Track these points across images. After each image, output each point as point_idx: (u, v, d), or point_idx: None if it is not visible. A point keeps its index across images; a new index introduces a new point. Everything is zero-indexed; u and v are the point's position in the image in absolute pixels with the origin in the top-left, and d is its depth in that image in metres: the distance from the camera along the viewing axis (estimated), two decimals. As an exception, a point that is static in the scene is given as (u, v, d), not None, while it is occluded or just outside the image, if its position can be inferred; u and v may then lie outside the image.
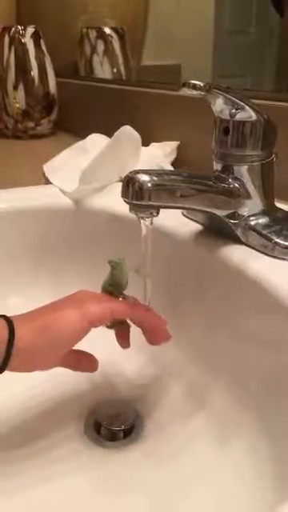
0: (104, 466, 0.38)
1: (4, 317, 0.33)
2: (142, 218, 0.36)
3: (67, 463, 0.38)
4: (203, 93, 0.35)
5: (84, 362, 0.39)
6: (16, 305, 0.45)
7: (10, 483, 0.36)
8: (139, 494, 0.36)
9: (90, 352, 0.39)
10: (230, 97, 0.37)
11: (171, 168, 0.60)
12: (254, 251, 0.40)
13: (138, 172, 0.34)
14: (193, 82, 0.34)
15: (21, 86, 0.84)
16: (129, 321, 0.39)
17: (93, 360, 0.39)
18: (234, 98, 0.37)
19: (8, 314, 0.34)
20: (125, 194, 0.35)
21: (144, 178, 0.34)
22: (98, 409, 0.43)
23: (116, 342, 0.40)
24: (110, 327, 0.39)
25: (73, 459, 0.38)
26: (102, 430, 0.41)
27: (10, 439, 0.40)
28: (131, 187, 0.34)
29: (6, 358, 0.32)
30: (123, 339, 0.40)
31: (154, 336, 0.39)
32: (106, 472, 0.38)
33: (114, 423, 0.41)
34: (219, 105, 0.38)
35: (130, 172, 0.34)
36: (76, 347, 0.36)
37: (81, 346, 0.36)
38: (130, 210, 0.36)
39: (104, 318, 0.36)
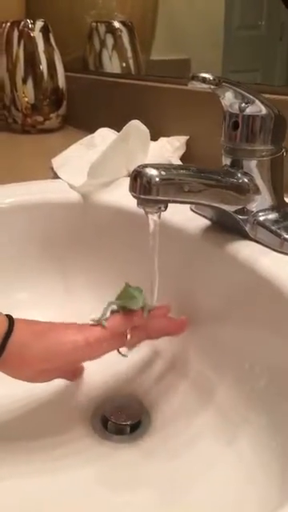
0: (110, 461, 0.38)
1: (7, 315, 0.34)
2: (150, 212, 0.36)
3: (74, 457, 0.38)
4: (213, 86, 0.35)
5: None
6: (24, 299, 0.45)
7: (17, 476, 0.36)
8: (145, 488, 0.36)
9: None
10: (239, 90, 0.36)
11: (180, 163, 0.59)
12: (262, 247, 0.40)
13: (146, 166, 0.34)
14: (202, 74, 0.34)
15: (30, 81, 0.84)
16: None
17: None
18: (244, 92, 0.37)
19: (16, 309, 0.34)
20: (132, 189, 0.34)
21: (152, 172, 0.34)
22: (105, 403, 0.43)
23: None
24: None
25: (79, 453, 0.39)
26: (108, 424, 0.41)
27: (16, 432, 0.40)
28: (139, 181, 0.34)
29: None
30: None
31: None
32: (113, 466, 0.38)
33: (120, 418, 0.41)
34: (229, 99, 0.37)
35: (138, 166, 0.34)
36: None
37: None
38: (138, 204, 0.35)
39: (103, 336, 0.36)
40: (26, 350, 0.34)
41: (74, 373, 0.42)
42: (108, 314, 0.38)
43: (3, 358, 0.33)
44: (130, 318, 0.38)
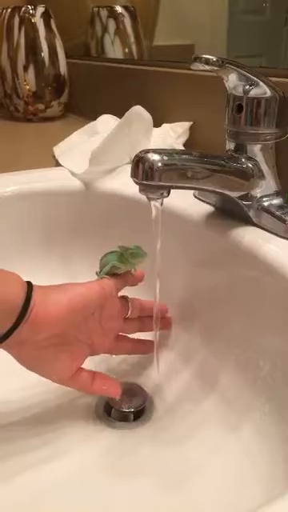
0: (114, 448, 0.38)
1: (27, 282, 0.34)
2: (152, 198, 0.35)
3: (78, 444, 0.38)
4: (216, 68, 0.34)
5: (100, 382, 0.38)
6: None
7: (21, 462, 0.36)
8: (148, 475, 0.36)
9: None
10: (243, 72, 0.36)
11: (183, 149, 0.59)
12: (266, 233, 0.39)
13: (147, 151, 0.34)
14: (205, 56, 0.33)
15: (31, 68, 0.83)
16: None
17: (112, 383, 0.39)
18: (248, 74, 0.36)
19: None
20: (134, 174, 0.34)
21: (154, 157, 0.33)
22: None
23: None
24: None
25: (83, 440, 0.39)
26: (112, 411, 0.41)
27: (21, 419, 0.40)
28: (141, 167, 0.33)
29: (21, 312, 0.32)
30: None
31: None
32: (116, 453, 0.38)
33: (124, 405, 0.41)
34: (232, 81, 0.37)
35: (140, 152, 0.34)
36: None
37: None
38: (140, 190, 0.35)
39: (114, 285, 0.39)
40: (49, 300, 0.34)
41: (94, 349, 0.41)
42: (107, 270, 0.39)
43: (29, 317, 0.32)
44: (126, 278, 0.41)
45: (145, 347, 0.44)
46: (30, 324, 0.33)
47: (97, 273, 0.40)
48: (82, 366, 0.38)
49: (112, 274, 0.40)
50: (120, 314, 0.42)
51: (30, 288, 0.34)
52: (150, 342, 0.43)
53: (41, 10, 0.83)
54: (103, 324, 0.40)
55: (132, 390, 0.43)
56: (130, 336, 0.44)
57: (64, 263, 0.54)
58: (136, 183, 0.34)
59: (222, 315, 0.43)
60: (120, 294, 0.41)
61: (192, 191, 0.46)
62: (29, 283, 0.34)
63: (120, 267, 0.39)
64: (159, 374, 0.43)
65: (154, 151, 0.34)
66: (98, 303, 0.38)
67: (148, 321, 0.43)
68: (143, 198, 0.35)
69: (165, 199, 0.35)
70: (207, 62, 0.34)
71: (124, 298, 0.42)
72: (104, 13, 0.88)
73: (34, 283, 0.35)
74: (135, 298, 0.43)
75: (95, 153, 0.52)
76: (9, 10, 0.83)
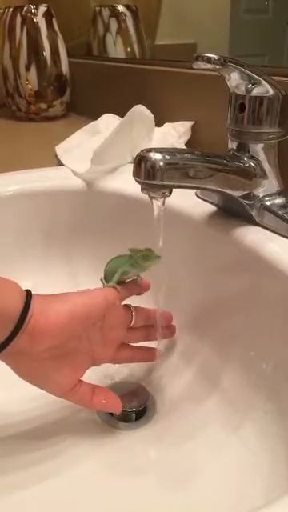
0: (116, 447, 0.38)
1: (27, 291, 0.33)
2: (154, 198, 0.35)
3: (80, 444, 0.38)
4: (218, 66, 0.34)
5: (100, 396, 0.37)
6: (28, 287, 0.44)
7: (22, 461, 0.36)
8: (150, 475, 0.36)
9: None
10: (246, 71, 0.35)
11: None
12: (269, 232, 0.39)
13: (149, 150, 0.33)
14: (207, 55, 0.33)
15: (33, 67, 0.83)
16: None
17: (113, 397, 0.38)
18: (251, 73, 0.36)
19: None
20: (136, 174, 0.34)
21: (156, 156, 0.33)
22: (111, 390, 0.43)
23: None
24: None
25: (85, 440, 0.39)
26: (114, 411, 0.41)
27: (22, 419, 0.40)
28: (143, 166, 0.33)
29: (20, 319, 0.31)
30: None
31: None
32: (118, 453, 0.38)
33: (126, 405, 0.41)
34: (235, 79, 0.36)
35: (142, 150, 0.34)
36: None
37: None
38: (142, 189, 0.35)
39: (118, 296, 0.37)
40: (49, 309, 0.32)
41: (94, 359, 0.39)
42: (117, 278, 0.38)
43: (27, 327, 0.31)
44: (132, 287, 0.40)
45: (148, 355, 0.43)
46: (28, 334, 0.31)
47: (101, 280, 0.39)
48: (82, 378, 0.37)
49: (119, 281, 0.38)
50: (123, 323, 0.40)
51: (28, 297, 0.32)
52: (154, 350, 0.42)
53: (43, 9, 0.83)
54: (105, 334, 0.39)
55: (134, 390, 0.43)
56: (133, 344, 0.43)
57: (65, 262, 0.54)
58: (138, 182, 0.34)
59: (223, 314, 0.43)
60: (124, 302, 0.40)
61: (194, 190, 0.46)
62: (28, 292, 0.33)
63: (129, 271, 0.38)
64: (161, 373, 0.43)
65: (156, 150, 0.33)
66: (101, 314, 0.36)
67: (153, 330, 0.42)
68: (145, 197, 0.35)
69: (167, 198, 0.35)
70: (209, 60, 0.33)
71: (128, 306, 0.41)
72: (106, 12, 0.88)
73: (35, 282, 0.34)
74: (139, 306, 0.41)
75: (97, 152, 0.52)
76: (11, 10, 0.83)
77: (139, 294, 0.41)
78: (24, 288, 0.33)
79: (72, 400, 0.37)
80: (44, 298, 0.33)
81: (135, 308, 0.41)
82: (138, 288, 0.40)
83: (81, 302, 0.34)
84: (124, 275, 0.38)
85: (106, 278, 0.39)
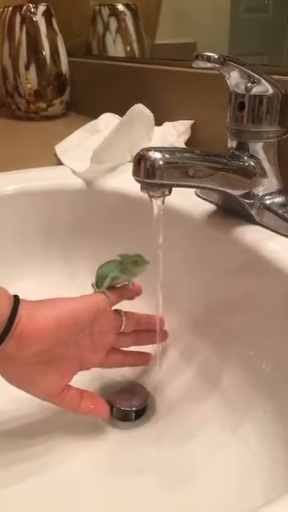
0: (116, 447, 0.38)
1: (14, 296, 0.33)
2: (154, 197, 0.35)
3: (79, 442, 0.38)
4: (217, 65, 0.34)
5: (88, 401, 0.37)
6: (27, 286, 0.44)
7: (22, 460, 0.36)
8: (150, 474, 0.36)
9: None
10: (245, 70, 0.35)
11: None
12: (268, 231, 0.39)
13: (149, 149, 0.33)
14: (206, 53, 0.33)
15: (32, 66, 0.83)
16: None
17: (101, 403, 0.38)
18: (250, 71, 0.36)
19: (19, 296, 0.33)
20: (136, 173, 0.34)
21: (156, 155, 0.33)
22: (110, 389, 0.43)
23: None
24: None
25: (84, 439, 0.39)
26: (114, 410, 0.41)
27: (21, 418, 0.40)
28: (143, 165, 0.33)
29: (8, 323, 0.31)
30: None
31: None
32: (117, 452, 0.38)
33: (126, 404, 0.41)
34: (234, 78, 0.36)
35: (142, 149, 0.33)
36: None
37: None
38: (142, 188, 0.35)
39: (108, 302, 0.37)
40: (36, 314, 0.32)
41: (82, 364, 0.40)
42: (107, 283, 0.38)
43: (14, 332, 0.31)
44: (123, 292, 0.40)
45: (139, 359, 0.43)
46: (15, 339, 0.31)
47: (92, 285, 0.39)
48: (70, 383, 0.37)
49: (110, 286, 0.38)
50: (113, 328, 0.40)
51: (16, 302, 0.32)
52: (146, 354, 0.42)
53: (42, 8, 0.83)
54: (94, 339, 0.38)
55: (133, 389, 0.43)
56: (125, 348, 0.42)
57: (65, 262, 0.54)
58: (137, 181, 0.34)
59: (223, 313, 0.43)
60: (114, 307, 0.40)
61: (194, 189, 0.46)
62: (16, 297, 0.33)
63: (120, 277, 0.38)
64: (161, 372, 0.43)
65: (156, 149, 0.33)
66: (90, 319, 0.36)
67: (143, 334, 0.42)
68: (145, 196, 0.35)
69: (166, 197, 0.35)
70: (209, 59, 0.33)
71: (118, 311, 0.40)
72: (105, 11, 0.87)
73: (35, 282, 0.34)
74: (130, 311, 0.41)
75: (97, 151, 0.52)
76: (10, 9, 0.83)
77: (131, 298, 0.41)
78: (23, 288, 0.33)
79: (59, 404, 0.37)
80: (32, 304, 0.33)
81: (125, 313, 0.41)
82: (129, 293, 0.40)
83: (69, 308, 0.34)
84: (114, 280, 0.38)
85: (97, 283, 0.39)
